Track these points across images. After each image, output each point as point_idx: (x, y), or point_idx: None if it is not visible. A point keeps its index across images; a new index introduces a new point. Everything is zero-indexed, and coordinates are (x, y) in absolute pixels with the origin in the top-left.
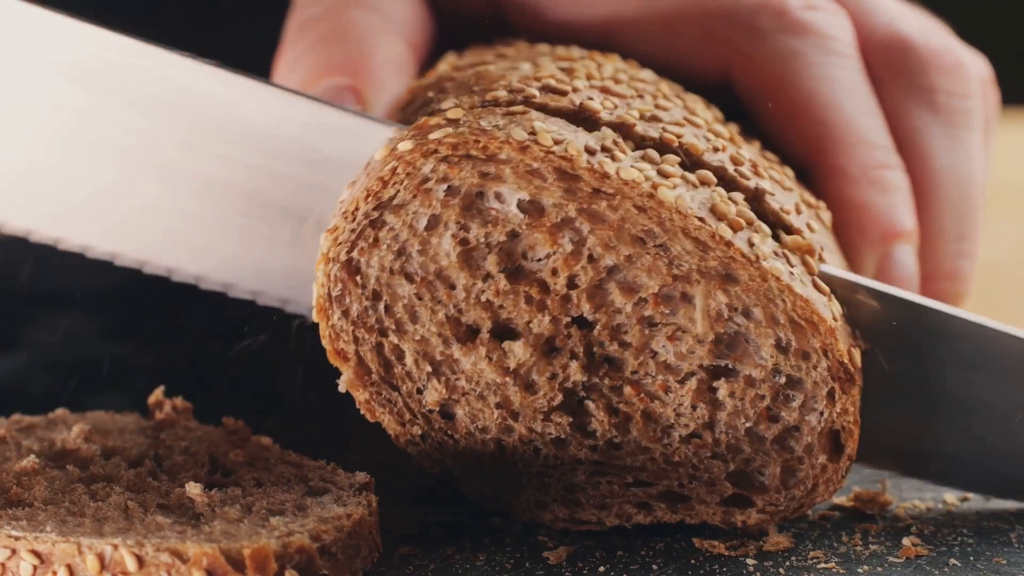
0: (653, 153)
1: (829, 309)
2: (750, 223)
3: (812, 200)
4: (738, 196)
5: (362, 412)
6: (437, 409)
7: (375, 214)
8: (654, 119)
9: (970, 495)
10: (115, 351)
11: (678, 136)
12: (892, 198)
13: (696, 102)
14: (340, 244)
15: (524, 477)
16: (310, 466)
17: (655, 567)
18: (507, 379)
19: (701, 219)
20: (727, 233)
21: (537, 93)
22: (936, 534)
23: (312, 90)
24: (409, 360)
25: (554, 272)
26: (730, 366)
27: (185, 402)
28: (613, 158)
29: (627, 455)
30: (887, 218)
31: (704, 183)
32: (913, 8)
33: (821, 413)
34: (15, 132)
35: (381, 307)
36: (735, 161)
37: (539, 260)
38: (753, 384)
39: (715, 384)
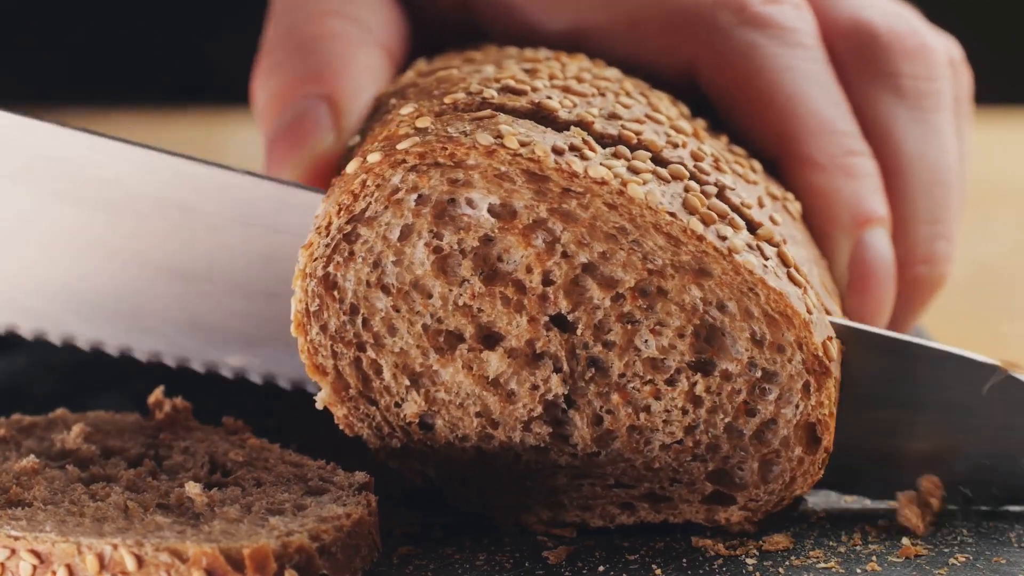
0: (624, 149)
1: (803, 302)
2: (723, 216)
3: (778, 192)
4: (711, 189)
5: (341, 428)
6: (416, 421)
7: (348, 228)
8: (613, 116)
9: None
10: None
11: (637, 133)
12: (861, 184)
13: (661, 99)
14: (316, 260)
15: (506, 482)
16: (310, 466)
17: (655, 567)
18: (487, 390)
19: (672, 214)
20: (698, 227)
21: (495, 94)
22: (935, 533)
23: (288, 101)
24: (387, 374)
25: (528, 269)
26: (708, 360)
27: (185, 402)
28: (582, 157)
29: (607, 463)
30: (857, 204)
31: (676, 177)
32: None
33: (797, 406)
34: None
35: (359, 321)
36: (695, 157)
37: (514, 262)
38: (730, 378)
39: (694, 380)
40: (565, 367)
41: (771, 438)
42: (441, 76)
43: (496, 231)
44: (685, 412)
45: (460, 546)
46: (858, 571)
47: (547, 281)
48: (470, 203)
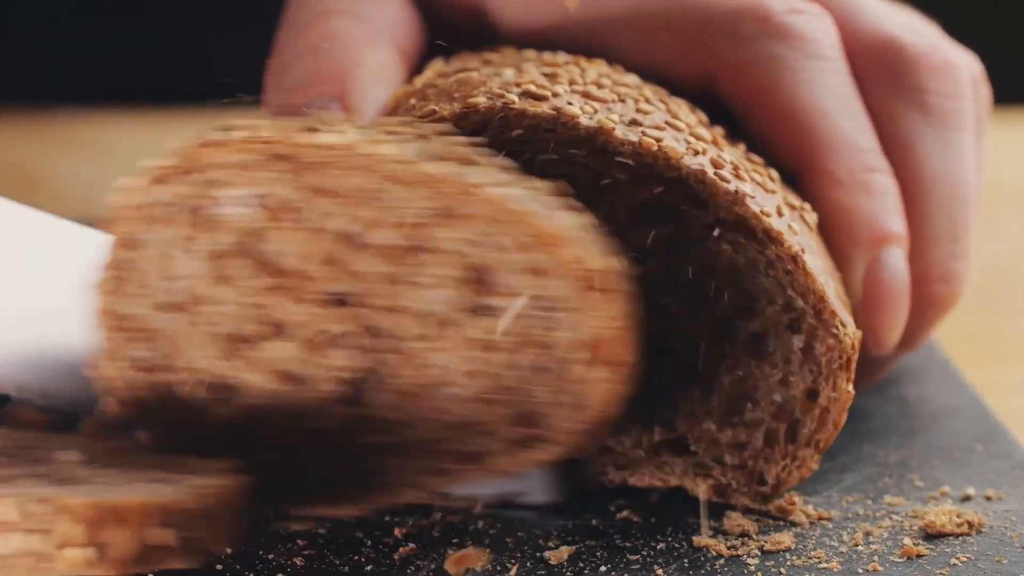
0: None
1: (558, 219)
2: (467, 160)
3: (796, 202)
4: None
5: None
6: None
7: (122, 255)
8: (634, 123)
9: (971, 494)
10: None
11: (658, 140)
12: (880, 202)
13: (680, 106)
14: (104, 295)
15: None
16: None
17: (656, 567)
18: (285, 383)
19: (409, 161)
20: (442, 169)
21: (516, 99)
22: (938, 533)
23: (299, 103)
24: (193, 389)
25: (295, 255)
26: (486, 304)
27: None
28: (311, 130)
29: (412, 428)
30: (875, 222)
31: (422, 138)
32: (902, 8)
33: (580, 327)
34: None
35: (155, 346)
36: (716, 164)
37: (281, 251)
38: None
39: (475, 324)
40: (358, 342)
41: (568, 367)
42: (461, 78)
43: (255, 223)
44: (474, 360)
45: (460, 546)
46: (860, 571)
47: (315, 261)
48: (223, 201)
